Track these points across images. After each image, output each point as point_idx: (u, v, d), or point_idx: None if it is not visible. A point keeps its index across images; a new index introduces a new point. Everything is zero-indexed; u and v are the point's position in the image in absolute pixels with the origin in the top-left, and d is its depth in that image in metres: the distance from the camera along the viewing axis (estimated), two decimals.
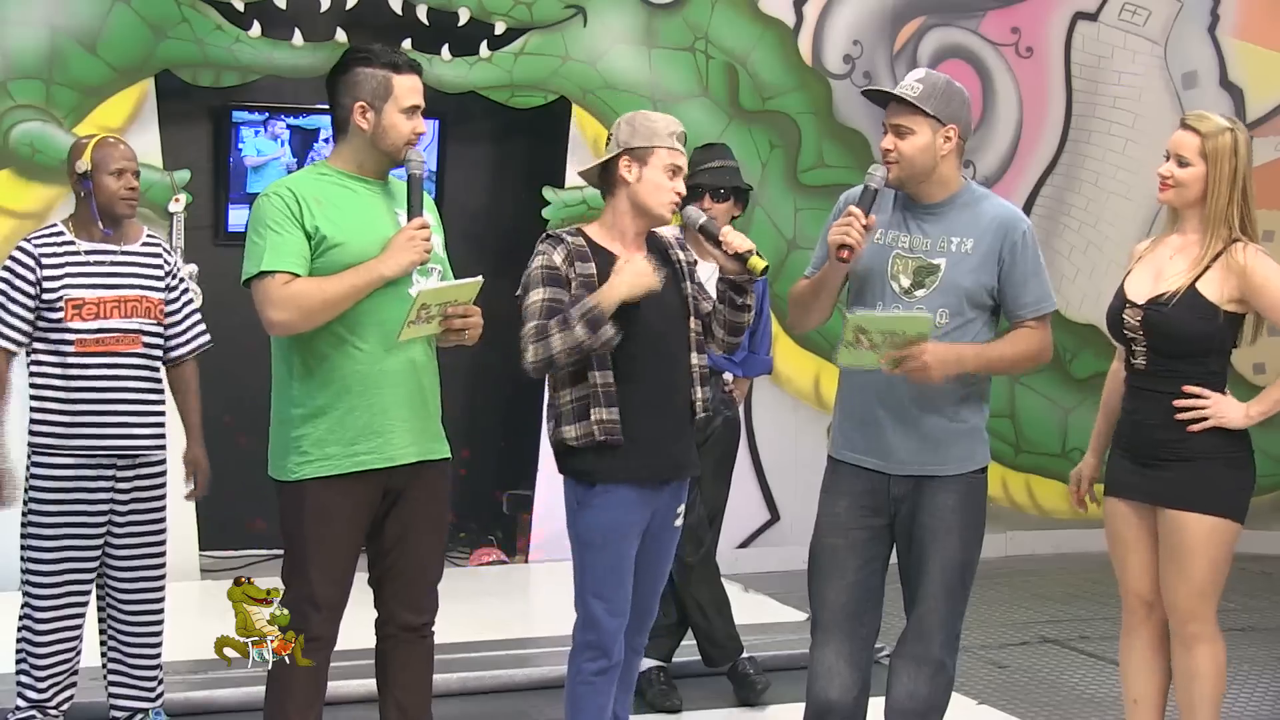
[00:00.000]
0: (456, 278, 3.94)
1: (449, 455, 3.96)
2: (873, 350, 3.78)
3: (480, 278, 3.80)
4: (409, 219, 3.77)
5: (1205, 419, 4.03)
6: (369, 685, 4.06)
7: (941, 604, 3.97)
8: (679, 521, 4.06)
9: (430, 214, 3.89)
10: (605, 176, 3.96)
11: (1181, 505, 4.05)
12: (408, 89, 3.79)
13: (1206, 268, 4.05)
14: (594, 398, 3.84)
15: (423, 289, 3.66)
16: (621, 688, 4.08)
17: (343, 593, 3.81)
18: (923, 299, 3.91)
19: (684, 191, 3.97)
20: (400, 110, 3.78)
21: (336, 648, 3.87)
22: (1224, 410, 4.04)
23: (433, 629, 3.98)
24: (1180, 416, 4.05)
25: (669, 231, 4.17)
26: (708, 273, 5.21)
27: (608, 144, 3.99)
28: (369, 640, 3.94)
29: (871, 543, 4.00)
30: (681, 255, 4.10)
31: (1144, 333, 4.10)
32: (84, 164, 4.48)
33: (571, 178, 7.22)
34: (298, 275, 3.68)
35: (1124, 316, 4.14)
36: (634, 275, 3.79)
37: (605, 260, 3.87)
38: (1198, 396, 4.04)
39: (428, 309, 3.67)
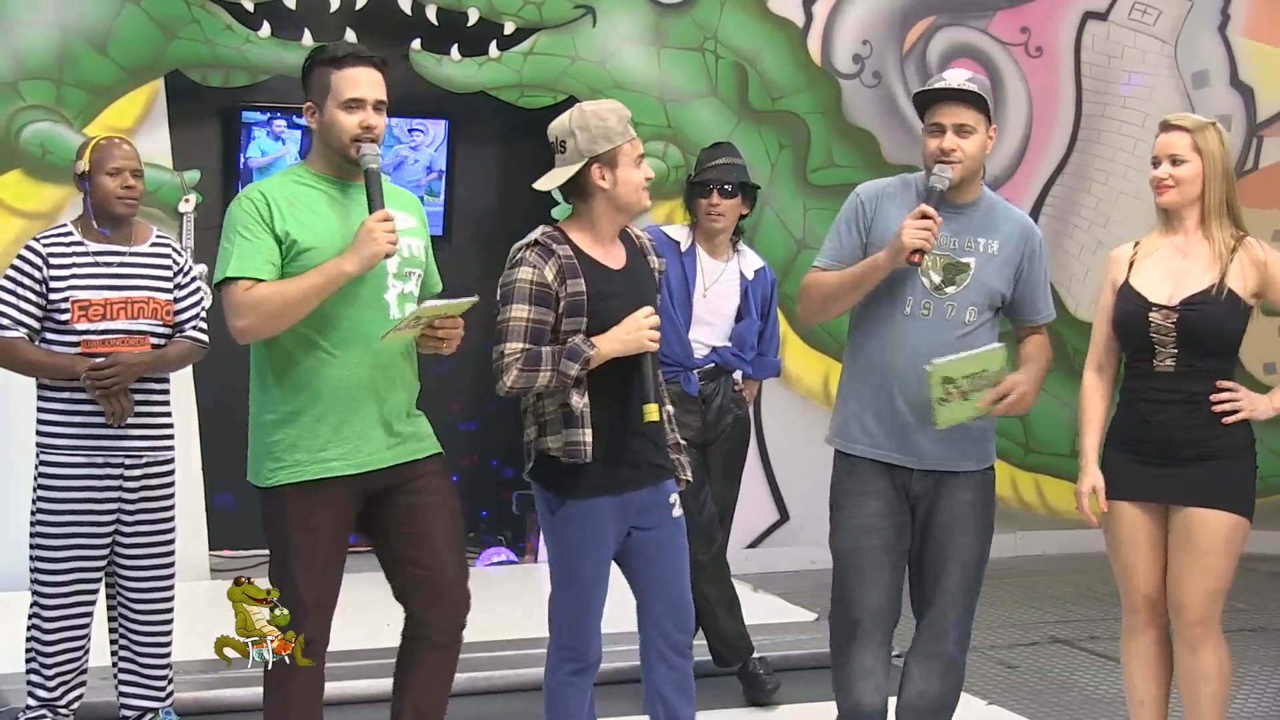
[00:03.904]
0: (454, 277, 3.94)
1: (439, 450, 3.89)
2: (964, 399, 3.80)
3: (476, 298, 3.72)
4: (370, 212, 3.64)
5: (1238, 411, 4.05)
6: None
7: (959, 601, 3.99)
8: (677, 511, 3.99)
9: (411, 215, 3.83)
10: (574, 184, 3.89)
11: (1206, 503, 4.05)
12: (347, 82, 3.68)
13: (1229, 262, 4.06)
14: (578, 418, 3.78)
15: (425, 306, 3.61)
16: (679, 695, 3.96)
17: (329, 593, 3.77)
18: (954, 295, 3.93)
19: (652, 174, 3.93)
20: (339, 105, 3.68)
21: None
22: (1255, 402, 4.07)
23: (463, 631, 3.89)
24: (1218, 409, 4.05)
25: (647, 231, 4.18)
26: (715, 275, 5.22)
27: (559, 148, 3.89)
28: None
29: (901, 540, 4.02)
30: (655, 262, 4.05)
31: (1177, 333, 4.08)
32: (82, 164, 4.50)
33: None
34: (264, 281, 3.61)
35: (1150, 319, 4.11)
36: (628, 334, 3.77)
37: (593, 272, 3.82)
38: (1230, 390, 4.06)
39: (420, 320, 3.64)
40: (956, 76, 3.95)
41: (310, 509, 3.70)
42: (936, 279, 3.94)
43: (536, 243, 3.84)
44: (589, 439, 3.78)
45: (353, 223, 3.70)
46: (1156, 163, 4.14)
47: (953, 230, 3.94)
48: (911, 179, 4.05)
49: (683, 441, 4.07)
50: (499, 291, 3.83)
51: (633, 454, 3.87)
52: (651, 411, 3.75)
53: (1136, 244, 4.26)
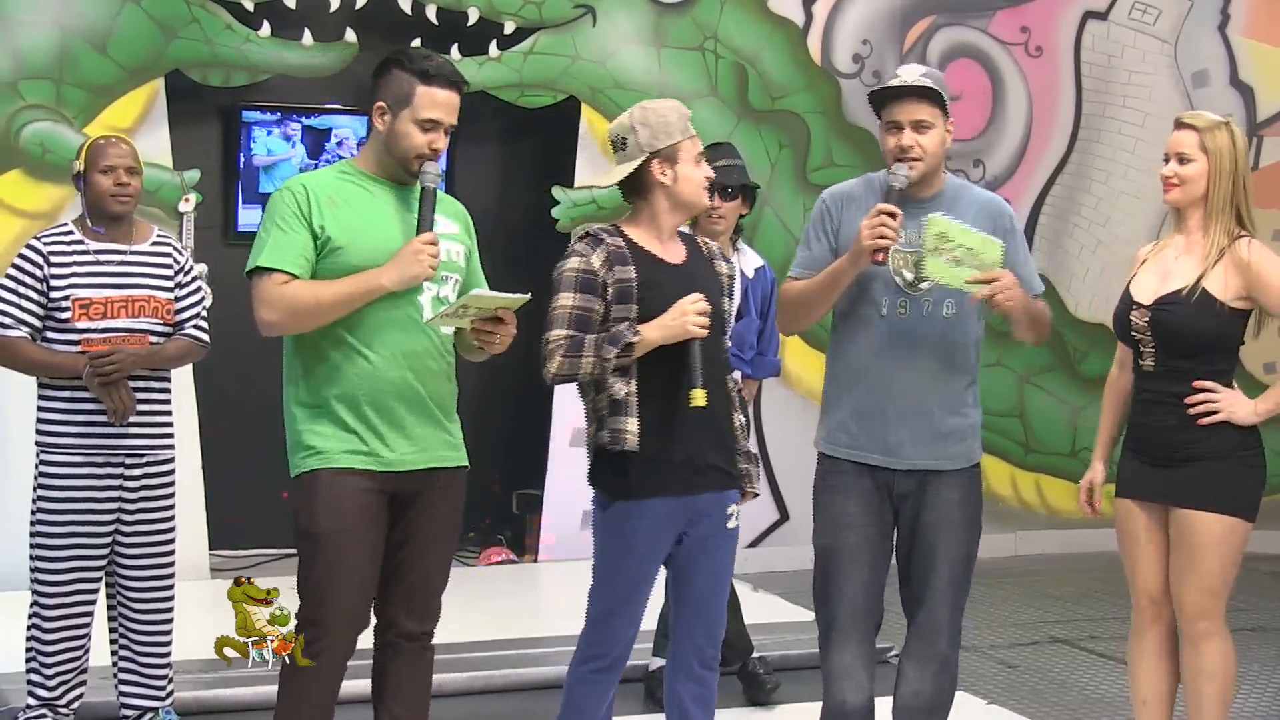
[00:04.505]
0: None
1: (465, 464, 3.87)
2: (954, 264, 3.75)
3: (529, 295, 3.67)
4: (418, 232, 3.67)
5: (1215, 412, 4.04)
6: (367, 686, 4.01)
7: (948, 600, 3.98)
8: (732, 523, 3.93)
9: (454, 221, 3.83)
10: (634, 180, 3.84)
11: (1195, 505, 4.06)
12: (429, 101, 3.66)
13: (1213, 265, 4.05)
14: (622, 406, 3.74)
15: (475, 294, 3.60)
16: (698, 706, 3.92)
17: (358, 597, 3.71)
18: (929, 291, 3.92)
19: (713, 174, 3.91)
20: (415, 120, 3.67)
21: None
22: (1234, 405, 4.05)
23: (432, 639, 3.89)
24: (1192, 411, 4.05)
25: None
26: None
27: (619, 146, 3.84)
28: (367, 640, 3.90)
29: (884, 540, 4.01)
30: (724, 269, 4.02)
31: (1152, 333, 4.09)
32: (78, 164, 4.53)
33: (581, 177, 7.23)
34: (296, 276, 3.62)
35: (1131, 318, 4.14)
36: (672, 320, 3.72)
37: (645, 263, 3.79)
38: (1209, 390, 4.05)
39: (467, 309, 3.62)
40: (911, 72, 3.92)
41: (344, 494, 3.65)
42: (909, 276, 3.92)
43: (588, 234, 3.83)
44: (634, 428, 3.72)
45: (389, 224, 3.70)
46: (1166, 160, 4.15)
47: (918, 226, 3.93)
48: (875, 178, 4.01)
49: (754, 451, 4.02)
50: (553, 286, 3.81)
51: (686, 453, 3.80)
52: (698, 397, 3.70)
53: (1156, 242, 4.30)
